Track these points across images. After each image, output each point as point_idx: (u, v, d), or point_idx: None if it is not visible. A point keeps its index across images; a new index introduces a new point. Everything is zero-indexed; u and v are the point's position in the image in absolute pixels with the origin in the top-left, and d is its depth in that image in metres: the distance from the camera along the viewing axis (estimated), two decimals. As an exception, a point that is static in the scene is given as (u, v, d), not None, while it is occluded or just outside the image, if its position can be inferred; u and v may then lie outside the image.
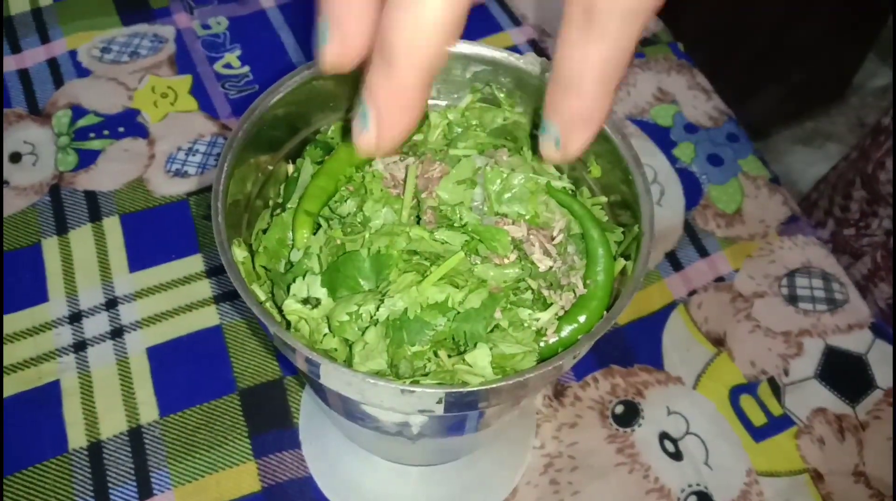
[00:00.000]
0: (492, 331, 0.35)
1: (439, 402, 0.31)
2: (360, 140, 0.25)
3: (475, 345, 0.33)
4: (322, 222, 0.36)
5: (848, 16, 1.28)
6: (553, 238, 0.37)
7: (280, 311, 0.34)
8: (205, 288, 0.62)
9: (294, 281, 0.34)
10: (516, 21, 0.81)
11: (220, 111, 0.71)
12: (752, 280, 0.66)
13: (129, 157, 0.69)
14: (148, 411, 0.57)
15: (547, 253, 0.37)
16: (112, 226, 0.65)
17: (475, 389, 0.30)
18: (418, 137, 0.43)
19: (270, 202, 0.40)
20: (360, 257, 0.33)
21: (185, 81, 0.73)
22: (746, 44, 1.21)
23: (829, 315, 0.64)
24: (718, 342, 0.62)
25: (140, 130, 0.70)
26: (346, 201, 0.37)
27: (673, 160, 0.73)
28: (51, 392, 0.57)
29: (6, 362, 0.58)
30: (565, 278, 0.37)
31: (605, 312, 0.36)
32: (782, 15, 1.20)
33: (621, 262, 0.38)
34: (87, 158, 0.68)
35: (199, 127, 0.71)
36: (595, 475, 0.56)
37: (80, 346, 0.59)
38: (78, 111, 0.71)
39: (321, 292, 0.33)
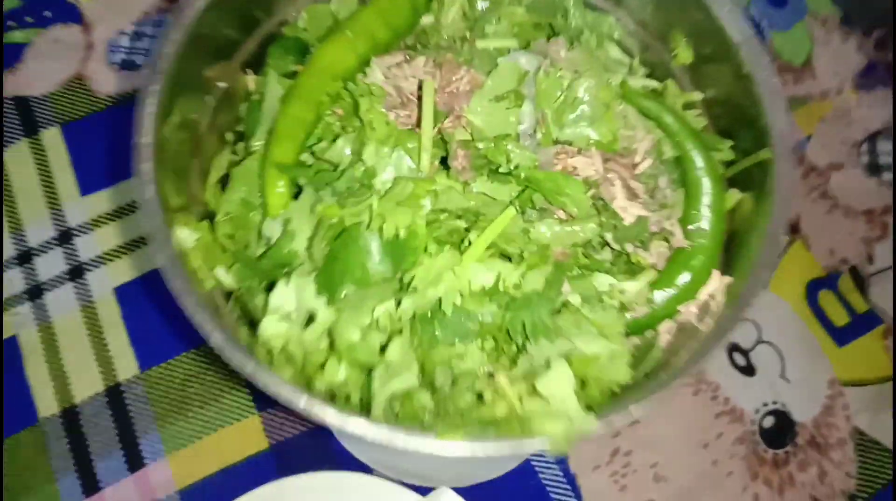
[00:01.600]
0: (559, 311, 0.24)
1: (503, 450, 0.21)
2: None
3: (538, 343, 0.22)
4: (305, 180, 0.24)
5: None
6: (636, 166, 0.25)
7: (254, 313, 0.23)
8: (174, 210, 0.51)
9: (280, 273, 0.23)
10: None
11: (166, -20, 0.56)
12: (827, 149, 0.54)
13: (61, 49, 0.55)
14: (125, 365, 0.48)
15: (633, 194, 0.25)
16: (53, 139, 0.53)
17: (558, 450, 0.19)
18: (427, 20, 0.29)
19: (229, 137, 0.28)
20: (367, 237, 0.22)
21: (117, -57, 0.57)
22: None
23: (919, 185, 0.53)
24: (791, 228, 0.52)
25: (71, 14, 0.56)
26: (334, 140, 0.24)
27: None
28: (9, 352, 0.48)
29: (-51, 319, 0.48)
30: (656, 224, 0.25)
31: (712, 270, 0.25)
32: None
33: (732, 196, 0.26)
34: (11, 55, 0.55)
35: (142, 3, 0.56)
36: (655, 401, 0.47)
37: (35, 292, 0.49)
38: (-12, -7, 0.56)
39: (316, 302, 0.21)
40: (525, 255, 0.24)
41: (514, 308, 0.23)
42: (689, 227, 0.26)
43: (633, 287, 0.24)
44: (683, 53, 0.28)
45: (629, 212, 0.24)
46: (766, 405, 0.48)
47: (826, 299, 0.51)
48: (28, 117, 0.53)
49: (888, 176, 0.54)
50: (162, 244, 0.21)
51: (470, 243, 0.23)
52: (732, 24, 0.26)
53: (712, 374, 0.48)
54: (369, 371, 0.22)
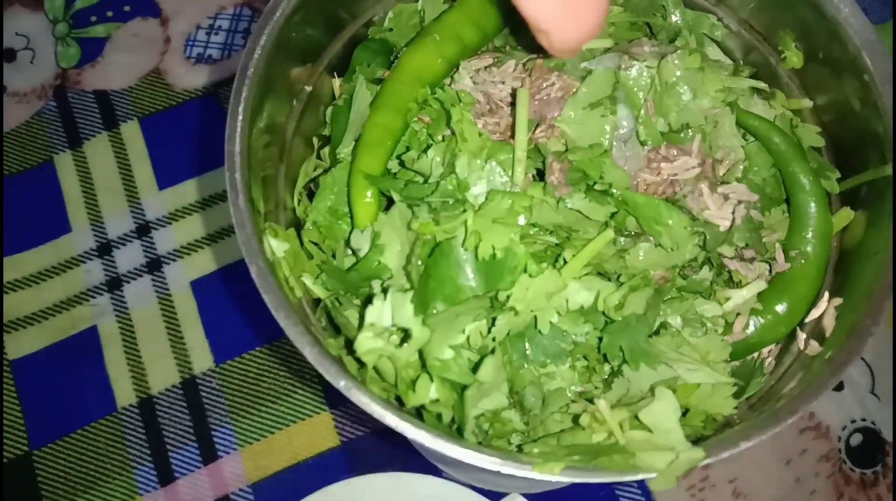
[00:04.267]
0: (656, 332, 0.23)
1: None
2: None
3: (637, 367, 0.21)
4: (395, 192, 0.23)
5: None
6: (725, 184, 0.24)
7: (346, 334, 0.23)
8: (249, 204, 0.51)
9: (368, 285, 0.22)
10: None
11: (243, -27, 0.57)
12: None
13: (140, 43, 0.56)
14: (201, 358, 0.48)
15: (723, 198, 0.24)
16: (131, 132, 0.54)
17: (663, 486, 0.18)
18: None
19: (315, 141, 0.28)
20: (461, 254, 0.21)
21: (196, -64, 0.57)
22: None
23: None
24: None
25: (149, 8, 0.57)
26: (425, 150, 0.24)
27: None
28: (88, 341, 0.49)
29: (35, 308, 0.49)
30: (755, 242, 0.24)
31: (817, 294, 0.24)
32: None
33: (845, 215, 0.24)
34: (92, 50, 0.56)
35: (219, -4, 0.56)
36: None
37: (114, 283, 0.50)
38: (72, -11, 0.57)
39: (412, 320, 0.21)
40: (623, 277, 0.22)
41: (611, 331, 0.22)
42: (793, 252, 0.24)
43: (738, 296, 0.23)
44: (793, 56, 0.26)
45: (722, 219, 0.23)
46: (854, 421, 0.45)
47: (922, 311, 0.48)
48: (108, 111, 0.54)
49: None
50: (253, 255, 0.21)
51: (565, 262, 0.22)
52: (852, 24, 0.24)
53: (797, 386, 0.46)
54: (461, 390, 0.21)
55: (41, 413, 0.47)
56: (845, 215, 0.24)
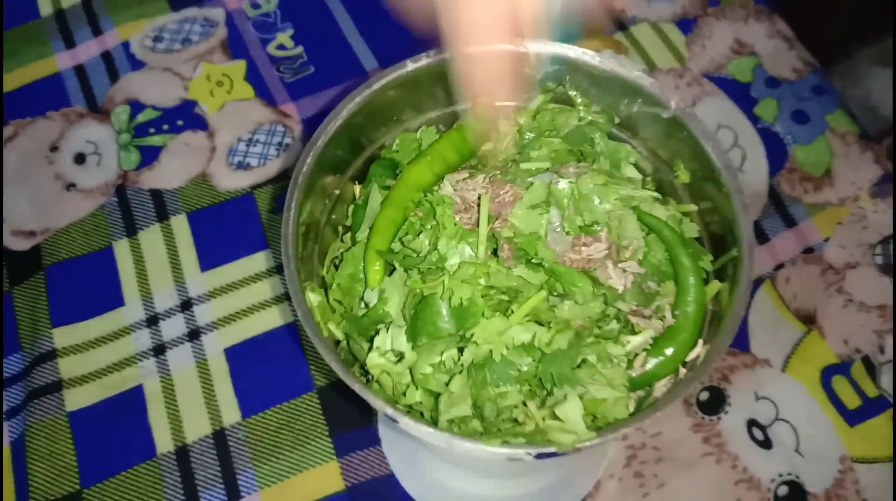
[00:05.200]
0: (579, 366, 0.33)
1: (529, 455, 0.30)
2: None
3: (562, 390, 0.31)
4: (397, 263, 0.34)
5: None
6: (623, 261, 0.35)
7: (359, 360, 0.33)
8: (276, 285, 0.61)
9: (375, 328, 0.33)
10: None
11: (277, 97, 0.70)
12: (844, 250, 0.62)
13: (190, 151, 0.68)
14: (230, 413, 0.57)
15: (623, 272, 0.35)
16: (180, 224, 0.65)
17: (565, 451, 0.28)
18: (488, 147, 0.40)
19: (340, 229, 0.39)
20: (440, 304, 0.32)
21: (240, 66, 0.71)
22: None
23: (929, 284, 0.60)
24: (808, 319, 0.59)
25: (199, 123, 0.69)
26: (418, 234, 0.35)
27: (754, 120, 0.68)
28: (135, 398, 0.58)
29: (91, 368, 0.59)
30: (650, 306, 0.34)
31: (695, 341, 0.34)
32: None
33: (715, 286, 0.35)
34: (150, 156, 0.68)
35: (258, 115, 0.69)
36: (681, 466, 0.54)
37: (159, 349, 0.60)
38: (136, 106, 0.70)
39: (405, 346, 0.32)
40: (553, 324, 0.33)
41: (545, 362, 0.33)
42: (678, 313, 0.34)
43: (635, 341, 0.33)
44: (683, 175, 0.38)
45: (621, 281, 0.34)
46: (781, 475, 0.54)
47: (839, 383, 0.57)
48: (161, 206, 0.66)
49: (901, 275, 0.61)
50: (300, 303, 0.31)
51: (513, 312, 0.33)
52: (716, 154, 0.35)
53: (733, 446, 0.55)
54: (436, 398, 0.31)
55: (92, 457, 0.56)
56: (714, 286, 0.35)
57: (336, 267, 0.37)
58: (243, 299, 0.61)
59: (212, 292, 0.62)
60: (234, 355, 0.59)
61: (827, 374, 0.57)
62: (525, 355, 0.32)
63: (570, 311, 0.33)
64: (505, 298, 0.33)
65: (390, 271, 0.35)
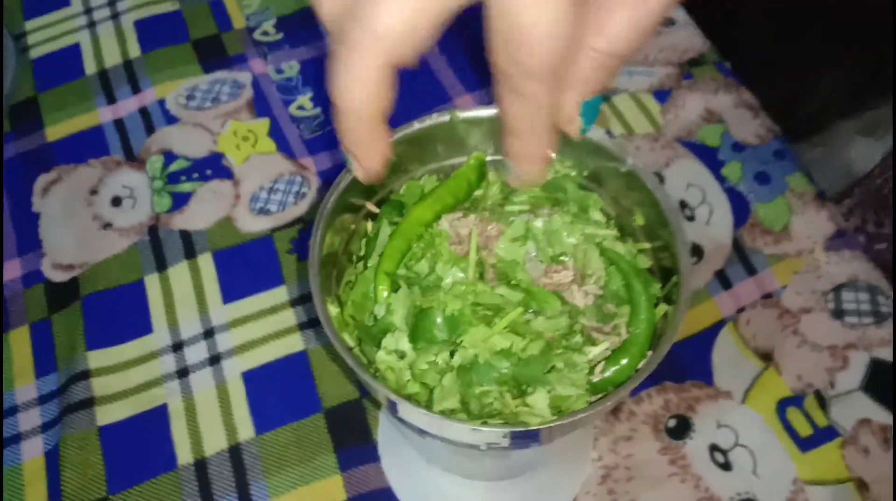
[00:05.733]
0: (549, 371, 0.40)
1: (505, 437, 0.37)
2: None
3: (535, 389, 0.39)
4: (402, 282, 0.42)
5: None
6: (585, 284, 0.43)
7: (369, 359, 0.41)
8: (290, 316, 0.69)
9: (383, 335, 0.40)
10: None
11: (297, 152, 0.78)
12: (800, 296, 0.70)
13: (217, 197, 0.76)
14: (245, 430, 0.64)
15: (586, 294, 0.43)
16: (205, 262, 0.72)
17: (534, 429, 0.36)
18: (479, 193, 0.48)
19: (354, 257, 0.47)
20: (436, 315, 0.40)
21: (264, 124, 0.80)
22: (804, 35, 1.21)
23: (875, 328, 0.68)
24: (766, 357, 0.67)
25: (226, 173, 0.78)
26: (420, 260, 0.43)
27: (721, 180, 0.76)
28: (160, 415, 0.65)
29: (121, 388, 0.66)
30: (609, 324, 0.42)
31: (645, 353, 0.42)
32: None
33: (663, 308, 0.43)
34: (180, 200, 0.76)
35: (279, 167, 0.78)
36: (649, 484, 0.61)
37: (183, 372, 0.67)
38: (169, 156, 0.79)
39: (407, 347, 0.39)
40: (528, 335, 0.41)
41: (520, 365, 0.40)
42: (632, 329, 0.42)
43: (595, 351, 0.40)
44: (639, 219, 0.46)
45: (583, 301, 0.42)
46: (739, 494, 0.60)
47: (793, 414, 0.64)
48: (189, 245, 0.74)
49: (850, 319, 0.68)
50: (323, 312, 0.39)
51: (495, 324, 0.40)
52: (664, 202, 0.44)
53: (697, 468, 0.62)
54: (431, 391, 0.39)
55: (119, 467, 0.63)
56: (662, 308, 0.43)
57: (351, 288, 0.45)
58: (261, 329, 0.68)
59: (232, 323, 0.69)
60: (251, 378, 0.66)
61: (782, 406, 0.64)
62: (504, 360, 0.40)
63: (541, 324, 0.41)
64: (489, 312, 0.41)
65: (396, 289, 0.43)
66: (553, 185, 0.47)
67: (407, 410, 0.37)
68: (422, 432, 0.42)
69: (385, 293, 0.42)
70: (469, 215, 0.45)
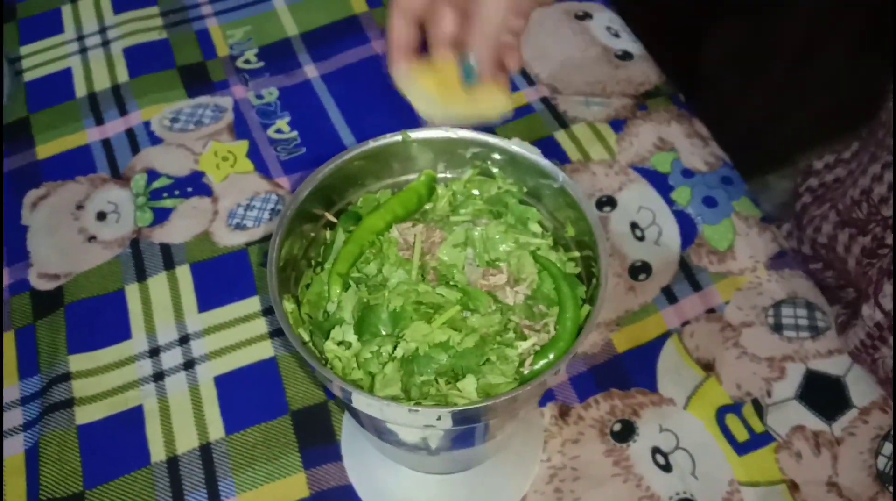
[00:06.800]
0: (483, 364, 0.45)
1: (439, 418, 0.42)
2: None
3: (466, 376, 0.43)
4: (352, 282, 0.47)
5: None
6: (517, 286, 0.48)
7: (319, 350, 0.46)
8: (262, 325, 0.74)
9: (332, 328, 0.45)
10: (531, 81, 0.92)
11: (273, 172, 0.84)
12: (741, 311, 0.75)
13: (196, 213, 0.81)
14: (216, 430, 0.68)
15: (516, 294, 0.48)
16: (183, 273, 0.77)
17: (461, 408, 0.40)
18: (428, 206, 0.54)
19: (312, 262, 0.52)
20: (381, 311, 0.45)
21: (243, 145, 0.86)
22: (767, 72, 1.28)
23: (812, 341, 0.73)
24: (708, 367, 0.71)
25: (205, 190, 0.83)
26: (369, 263, 0.48)
27: (670, 203, 0.82)
28: (135, 415, 0.68)
29: (99, 390, 0.70)
30: (540, 322, 0.47)
31: (570, 348, 0.47)
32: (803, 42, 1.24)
33: (587, 308, 0.48)
34: (161, 216, 0.80)
35: (255, 186, 0.83)
36: (594, 484, 0.65)
37: (158, 376, 0.71)
38: (152, 175, 0.84)
39: (353, 338, 0.44)
40: (463, 330, 0.46)
41: (457, 357, 0.45)
42: (558, 327, 0.47)
43: (524, 345, 0.45)
44: (570, 230, 0.51)
45: (513, 300, 0.46)
46: (678, 493, 0.65)
47: (731, 420, 0.69)
48: (168, 257, 0.78)
49: (788, 333, 0.73)
50: (279, 307, 0.44)
51: (435, 320, 0.45)
52: (590, 214, 0.49)
53: (639, 469, 0.66)
54: (373, 378, 0.44)
55: (95, 464, 0.66)
56: (586, 309, 0.48)
57: (307, 289, 0.49)
58: (233, 336, 0.73)
59: (207, 330, 0.73)
60: (223, 382, 0.70)
61: (721, 412, 0.69)
62: (443, 352, 0.45)
63: (477, 321, 0.46)
64: (430, 310, 0.46)
65: (347, 288, 0.48)
66: (495, 200, 0.53)
67: (353, 396, 0.41)
68: (373, 421, 0.47)
69: (337, 291, 0.47)
70: (418, 225, 0.50)
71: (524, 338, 0.47)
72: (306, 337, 0.47)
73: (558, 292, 0.48)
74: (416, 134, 0.52)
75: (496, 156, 0.53)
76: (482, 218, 0.51)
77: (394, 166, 0.54)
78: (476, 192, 0.53)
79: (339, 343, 0.45)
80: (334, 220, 0.52)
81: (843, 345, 0.72)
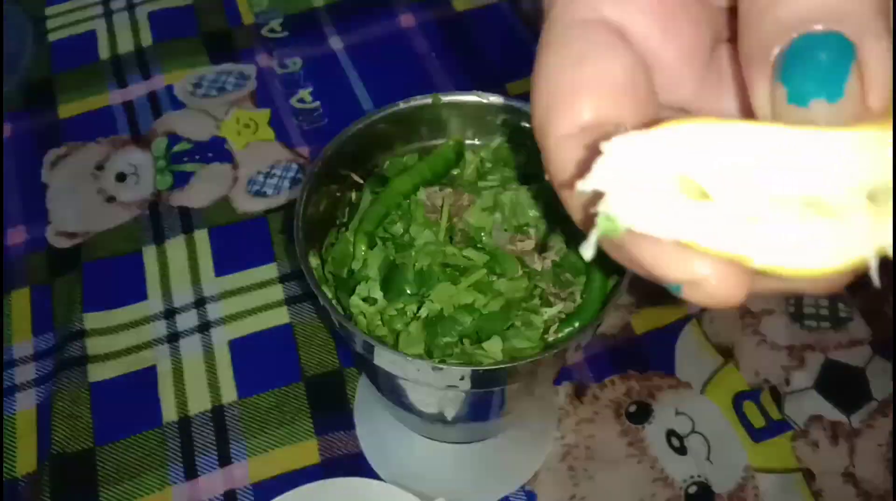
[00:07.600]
0: (508, 329, 0.45)
1: (462, 378, 0.41)
2: None
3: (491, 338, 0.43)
4: (378, 240, 0.47)
5: None
6: (545, 252, 0.48)
7: (343, 306, 0.45)
8: (278, 292, 0.73)
9: (356, 285, 0.45)
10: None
11: (294, 141, 0.83)
12: (762, 299, 0.74)
13: (216, 179, 0.81)
14: (228, 393, 0.68)
15: (544, 260, 0.47)
16: (201, 237, 0.77)
17: (489, 368, 0.40)
18: (455, 171, 0.53)
19: (338, 222, 0.51)
20: (407, 270, 0.44)
21: (265, 114, 0.85)
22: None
23: (833, 332, 0.72)
24: (726, 352, 0.71)
25: (226, 156, 0.82)
26: (396, 223, 0.47)
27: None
28: (149, 375, 0.69)
29: (114, 348, 0.70)
30: (566, 290, 0.47)
31: (595, 317, 0.46)
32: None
33: (614, 279, 0.47)
34: (181, 180, 0.80)
35: (276, 154, 0.82)
36: (608, 464, 0.65)
37: (173, 337, 0.71)
38: (174, 139, 0.83)
39: (378, 294, 0.44)
40: (489, 293, 0.45)
41: (482, 320, 0.44)
42: (584, 295, 0.47)
43: (550, 312, 0.45)
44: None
45: (541, 266, 0.46)
46: (692, 477, 0.64)
47: (749, 407, 0.68)
48: (187, 221, 0.78)
49: (809, 322, 0.73)
50: (306, 261, 0.43)
51: (460, 282, 0.45)
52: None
53: (653, 451, 0.66)
54: (397, 336, 0.43)
55: (106, 421, 0.67)
56: (614, 279, 0.47)
57: (332, 247, 0.49)
58: (249, 302, 0.73)
59: (223, 294, 0.73)
60: (237, 346, 0.70)
61: (739, 399, 0.68)
62: (467, 314, 0.44)
63: (503, 285, 0.45)
64: (456, 271, 0.45)
65: (373, 247, 0.47)
66: (525, 167, 0.52)
67: (377, 350, 0.41)
68: (393, 385, 0.46)
69: (363, 249, 0.46)
70: (446, 188, 0.50)
71: (550, 305, 0.46)
72: (329, 295, 0.46)
73: (586, 265, 0.47)
74: (446, 97, 0.51)
75: (525, 124, 0.52)
76: (511, 184, 0.50)
77: (422, 131, 0.53)
78: (504, 160, 0.53)
79: (364, 299, 0.44)
80: (360, 181, 0.52)
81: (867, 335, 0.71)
